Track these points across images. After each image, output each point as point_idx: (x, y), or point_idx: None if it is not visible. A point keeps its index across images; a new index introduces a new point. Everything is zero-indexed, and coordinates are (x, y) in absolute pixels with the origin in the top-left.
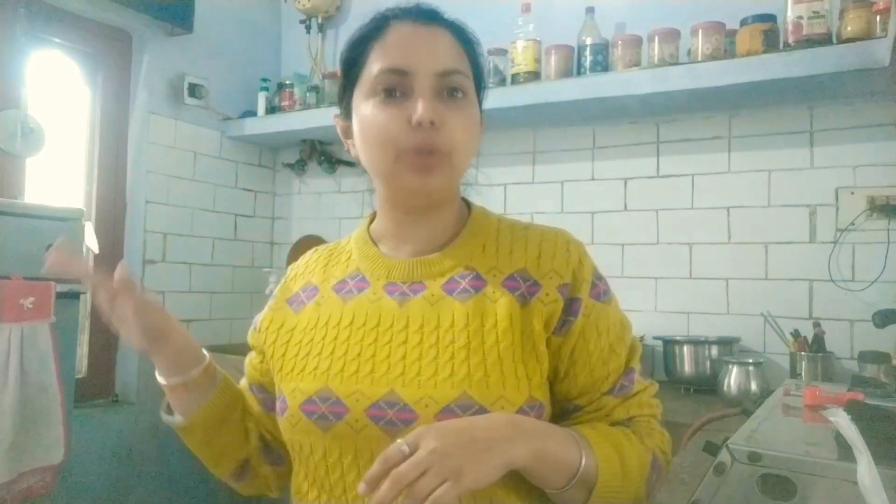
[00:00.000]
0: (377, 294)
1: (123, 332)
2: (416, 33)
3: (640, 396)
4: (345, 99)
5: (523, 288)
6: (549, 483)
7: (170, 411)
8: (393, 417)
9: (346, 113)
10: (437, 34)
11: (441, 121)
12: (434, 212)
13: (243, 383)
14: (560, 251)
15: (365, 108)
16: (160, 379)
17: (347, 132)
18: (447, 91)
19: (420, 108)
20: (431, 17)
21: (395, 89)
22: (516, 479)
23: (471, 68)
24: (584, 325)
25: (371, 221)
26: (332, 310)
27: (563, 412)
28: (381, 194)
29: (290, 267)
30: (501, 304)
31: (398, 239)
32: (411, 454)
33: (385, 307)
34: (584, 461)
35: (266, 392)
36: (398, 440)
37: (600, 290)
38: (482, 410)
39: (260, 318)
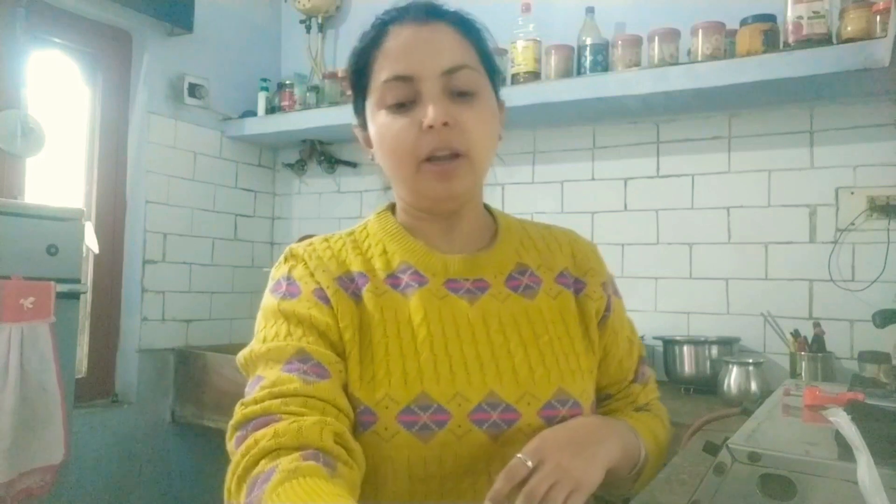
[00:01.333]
0: (440, 291)
1: None
2: (415, 34)
3: (650, 383)
4: (358, 109)
5: (572, 286)
6: (618, 474)
7: None
8: (497, 419)
9: (363, 123)
10: (437, 30)
11: (454, 121)
12: (462, 212)
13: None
14: (588, 251)
15: (378, 119)
16: None
17: (368, 142)
18: (457, 91)
19: (430, 112)
20: (430, 14)
21: (404, 96)
22: None
23: (479, 58)
24: (613, 319)
25: (391, 213)
26: (397, 305)
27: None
28: (405, 199)
29: (296, 247)
30: (562, 300)
31: (432, 235)
32: (534, 468)
33: (456, 306)
34: (643, 451)
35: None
36: (519, 455)
37: (616, 287)
38: (576, 403)
39: (319, 290)
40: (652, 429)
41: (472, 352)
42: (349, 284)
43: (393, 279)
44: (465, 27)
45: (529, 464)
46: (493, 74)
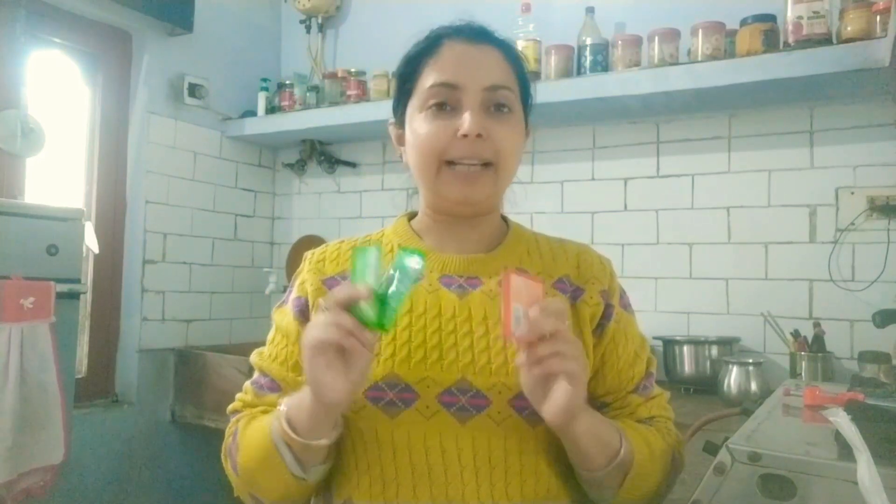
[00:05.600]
0: (433, 285)
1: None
2: (467, 51)
3: (659, 399)
4: (399, 109)
5: (570, 292)
6: (593, 462)
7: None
8: (465, 403)
9: (400, 122)
10: (486, 52)
11: (487, 133)
12: (477, 220)
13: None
14: (595, 262)
15: (417, 120)
16: (319, 440)
17: (401, 140)
18: (494, 105)
19: (467, 122)
20: (482, 37)
21: (445, 103)
22: (558, 456)
23: (518, 84)
24: (615, 330)
25: (409, 219)
26: None
27: None
28: (426, 200)
29: (309, 253)
30: None
31: (444, 238)
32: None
33: (445, 298)
34: (623, 445)
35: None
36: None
37: (626, 301)
38: None
39: (298, 299)
40: (644, 435)
41: (450, 340)
42: (338, 283)
43: None
44: (511, 54)
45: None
46: (527, 101)
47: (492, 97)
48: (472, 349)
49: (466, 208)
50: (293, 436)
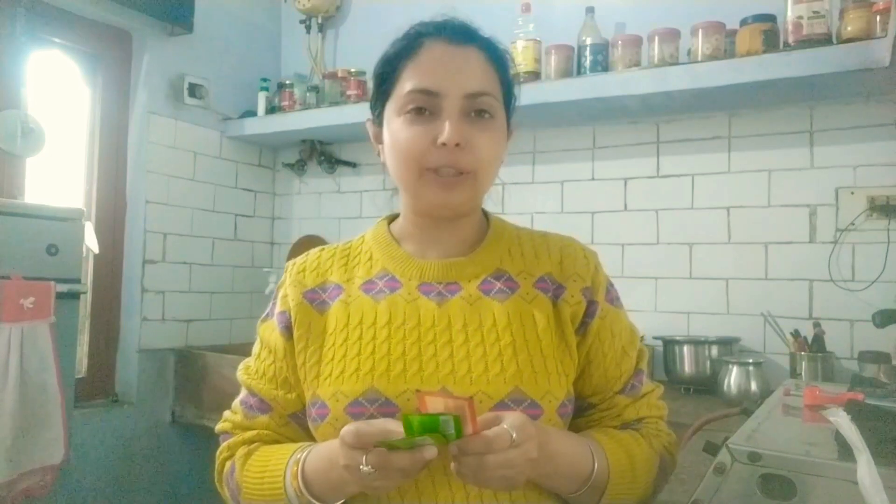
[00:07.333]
0: (412, 294)
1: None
2: (447, 53)
3: (649, 398)
4: (377, 108)
5: (552, 290)
6: (563, 489)
7: None
8: None
9: (378, 121)
10: (468, 54)
11: (466, 142)
12: (457, 221)
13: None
14: (579, 257)
15: (395, 124)
16: (340, 501)
17: (378, 137)
18: (475, 112)
19: (447, 131)
20: (464, 37)
21: (424, 108)
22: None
23: (500, 86)
24: (600, 326)
25: (389, 222)
26: (364, 309)
27: (576, 409)
28: (405, 202)
29: (290, 263)
30: (538, 304)
31: (424, 242)
32: (515, 445)
33: (423, 307)
34: (595, 468)
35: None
36: (505, 426)
37: (613, 295)
38: (534, 404)
39: (282, 314)
40: (627, 447)
41: (430, 351)
42: (319, 296)
43: (369, 285)
44: (494, 55)
45: (514, 435)
46: (510, 102)
47: (472, 104)
48: (451, 359)
49: (446, 211)
50: (315, 502)
